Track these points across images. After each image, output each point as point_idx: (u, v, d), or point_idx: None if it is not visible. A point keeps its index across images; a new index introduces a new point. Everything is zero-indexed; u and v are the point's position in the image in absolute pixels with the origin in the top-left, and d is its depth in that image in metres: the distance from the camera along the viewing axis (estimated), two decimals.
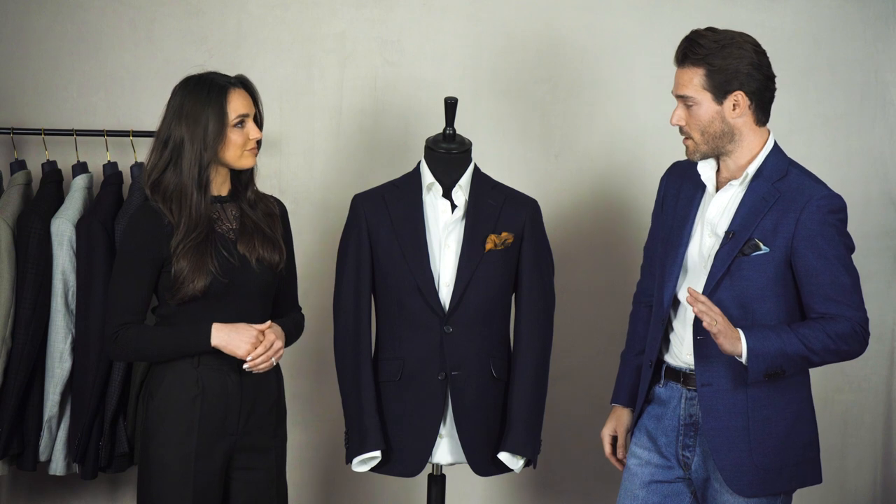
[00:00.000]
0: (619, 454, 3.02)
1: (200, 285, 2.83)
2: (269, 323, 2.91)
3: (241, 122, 2.89)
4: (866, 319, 2.75)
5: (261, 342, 2.87)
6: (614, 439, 3.03)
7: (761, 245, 2.73)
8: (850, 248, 2.77)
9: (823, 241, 2.71)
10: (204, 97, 2.85)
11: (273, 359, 2.90)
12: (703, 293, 2.76)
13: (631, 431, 2.97)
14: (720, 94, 2.74)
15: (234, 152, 2.89)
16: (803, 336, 2.69)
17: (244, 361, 2.87)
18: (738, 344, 2.67)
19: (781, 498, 2.82)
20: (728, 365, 2.74)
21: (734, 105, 2.74)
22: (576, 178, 3.85)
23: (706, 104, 2.75)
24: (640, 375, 2.97)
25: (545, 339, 3.16)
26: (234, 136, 2.88)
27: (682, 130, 2.81)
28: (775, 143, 2.83)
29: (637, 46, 3.83)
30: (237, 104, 2.88)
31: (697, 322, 2.75)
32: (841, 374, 3.83)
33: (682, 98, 2.77)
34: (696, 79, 2.74)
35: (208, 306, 2.86)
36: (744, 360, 2.68)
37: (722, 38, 2.74)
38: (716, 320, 2.64)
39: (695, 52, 2.74)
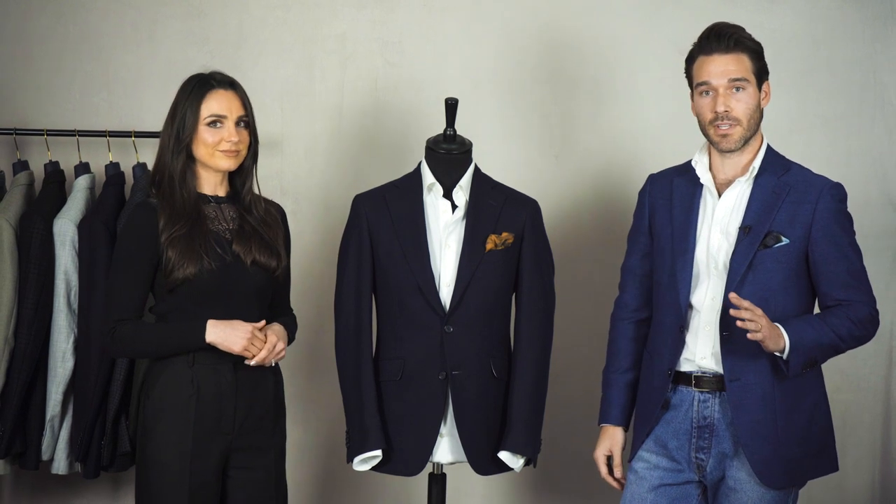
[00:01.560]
0: (617, 473, 3.01)
1: (191, 270, 2.84)
2: (263, 322, 2.93)
3: (214, 123, 2.90)
4: (876, 301, 2.83)
5: (258, 338, 2.89)
6: (609, 459, 3.01)
7: (782, 237, 2.76)
8: (854, 234, 2.84)
9: (838, 229, 2.78)
10: (187, 93, 2.91)
11: (273, 360, 2.92)
12: (727, 292, 2.76)
13: (643, 437, 2.92)
14: (759, 81, 2.82)
15: (205, 151, 2.91)
16: (833, 325, 2.75)
17: (240, 360, 2.89)
18: (781, 340, 2.70)
19: (794, 493, 2.85)
20: (754, 359, 2.76)
21: (765, 94, 2.84)
22: (576, 178, 3.86)
23: (752, 89, 2.81)
24: (632, 393, 2.98)
25: (545, 339, 3.17)
26: (205, 135, 2.90)
27: (726, 117, 2.80)
28: (768, 143, 2.88)
29: (637, 47, 3.84)
30: (213, 104, 2.90)
31: (724, 319, 2.77)
32: (840, 373, 3.83)
33: (735, 81, 2.79)
34: (746, 62, 2.80)
35: (204, 304, 2.87)
36: (786, 355, 2.71)
37: (743, 30, 2.84)
38: (760, 325, 2.66)
39: (743, 37, 2.81)
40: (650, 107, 3.83)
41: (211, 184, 2.96)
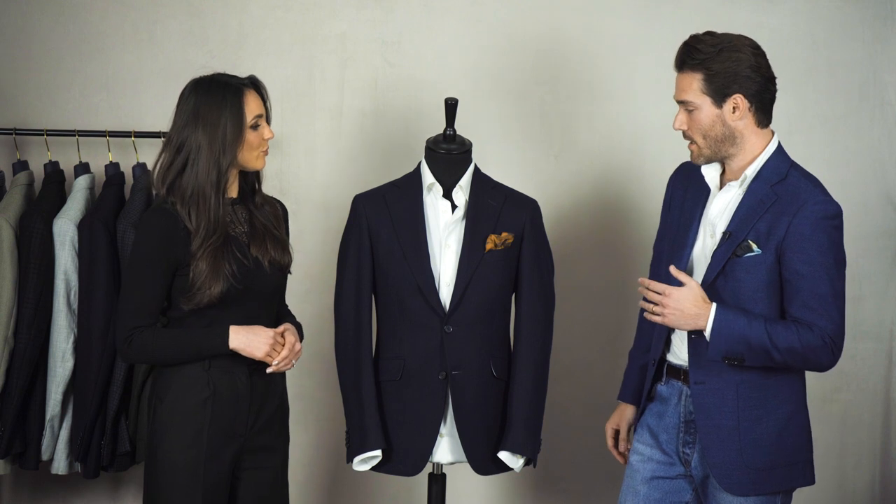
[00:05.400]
0: (621, 447, 3.06)
1: (217, 291, 2.82)
2: (284, 326, 2.93)
3: (256, 124, 2.88)
4: (838, 334, 2.72)
5: (279, 343, 2.89)
6: (616, 433, 3.08)
7: (754, 247, 2.74)
8: (839, 259, 2.75)
9: (811, 248, 2.70)
10: (220, 100, 2.83)
11: (294, 360, 2.92)
12: None
13: (634, 427, 3.00)
14: (719, 97, 2.76)
15: (251, 154, 2.89)
16: (773, 330, 2.70)
17: (256, 362, 2.89)
18: (701, 319, 2.72)
19: (780, 497, 2.83)
20: (721, 364, 2.76)
21: (734, 108, 2.76)
22: (576, 178, 3.86)
23: (706, 108, 2.77)
24: (645, 373, 3.00)
25: (545, 339, 3.18)
26: (251, 138, 2.87)
27: (685, 135, 2.83)
28: (779, 145, 2.83)
29: (637, 47, 3.84)
30: (253, 105, 2.87)
31: None
32: (840, 373, 3.83)
33: (682, 103, 2.79)
34: (694, 83, 2.76)
35: (223, 308, 2.86)
36: (707, 335, 2.72)
37: (720, 42, 2.75)
38: (662, 306, 2.73)
39: (693, 57, 2.76)
40: (650, 107, 3.83)
41: (229, 187, 2.92)
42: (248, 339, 2.85)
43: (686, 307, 2.72)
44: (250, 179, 2.98)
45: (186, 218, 2.83)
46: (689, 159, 2.95)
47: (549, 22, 3.85)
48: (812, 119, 3.85)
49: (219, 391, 2.86)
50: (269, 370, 2.88)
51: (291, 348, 2.90)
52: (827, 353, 2.71)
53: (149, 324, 2.85)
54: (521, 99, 3.86)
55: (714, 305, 2.72)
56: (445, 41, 3.85)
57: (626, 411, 3.07)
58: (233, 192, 2.94)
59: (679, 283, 2.77)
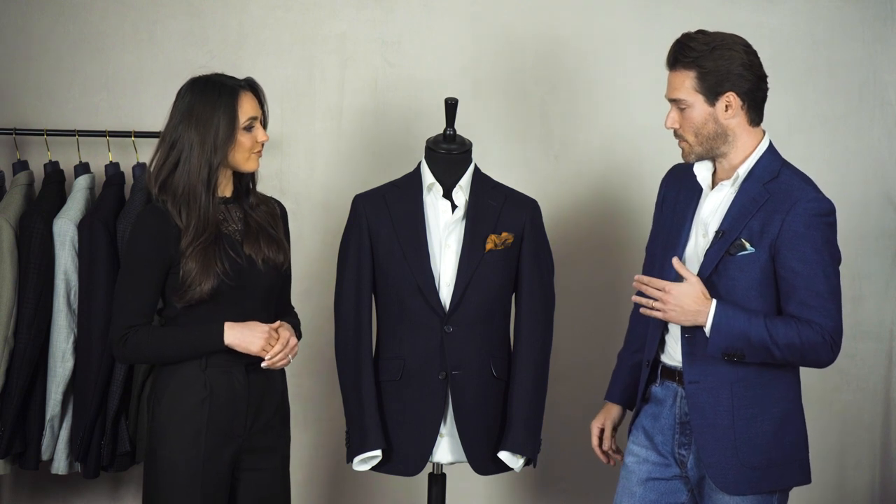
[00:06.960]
0: (605, 446, 3.06)
1: (208, 287, 2.83)
2: (279, 322, 2.93)
3: (250, 126, 2.89)
4: (837, 331, 2.73)
5: (274, 338, 2.89)
6: (602, 432, 3.07)
7: (747, 245, 2.74)
8: (835, 256, 2.75)
9: (806, 245, 2.71)
10: (214, 100, 2.84)
11: (290, 356, 2.92)
12: None
13: (629, 430, 2.99)
14: (712, 95, 2.76)
15: (243, 155, 2.89)
16: (772, 327, 2.70)
17: (254, 362, 2.89)
18: (701, 315, 2.72)
19: (777, 496, 2.83)
20: (715, 363, 2.76)
21: (726, 106, 2.77)
22: (575, 178, 3.87)
23: (699, 106, 2.77)
24: (637, 374, 3.00)
25: (545, 339, 3.18)
26: (243, 139, 2.88)
27: (676, 133, 2.83)
28: (770, 144, 2.84)
29: (636, 47, 3.84)
30: (247, 107, 2.88)
31: None
32: (840, 373, 3.84)
33: (675, 101, 2.80)
34: (687, 81, 2.77)
35: (218, 307, 2.86)
36: (707, 331, 2.72)
37: (712, 40, 2.76)
38: (662, 302, 2.72)
39: (686, 55, 2.76)
40: (650, 107, 3.82)
41: (222, 185, 2.93)
42: (242, 335, 2.85)
43: (687, 303, 2.73)
44: (245, 180, 2.98)
45: (177, 216, 2.84)
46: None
47: (548, 22, 3.85)
48: (812, 119, 3.86)
49: (215, 392, 2.86)
50: (263, 365, 2.88)
51: (285, 343, 2.90)
52: (826, 349, 2.72)
53: (144, 323, 2.85)
54: (521, 99, 3.86)
55: (714, 302, 2.72)
56: (445, 41, 3.85)
57: (612, 411, 3.07)
58: (226, 191, 2.94)
59: (678, 277, 2.78)
